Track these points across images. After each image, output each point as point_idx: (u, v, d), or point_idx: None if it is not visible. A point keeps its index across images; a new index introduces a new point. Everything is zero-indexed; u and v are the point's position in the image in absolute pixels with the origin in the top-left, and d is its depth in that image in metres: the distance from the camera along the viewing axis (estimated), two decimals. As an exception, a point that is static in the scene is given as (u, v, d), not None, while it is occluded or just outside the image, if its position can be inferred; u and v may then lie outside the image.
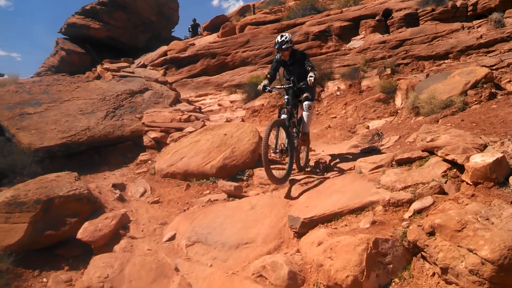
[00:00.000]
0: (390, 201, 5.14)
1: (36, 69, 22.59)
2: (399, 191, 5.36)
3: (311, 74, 6.71)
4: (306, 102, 7.01)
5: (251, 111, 12.29)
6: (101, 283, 5.48)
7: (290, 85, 6.92)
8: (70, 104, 11.62)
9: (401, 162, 6.17)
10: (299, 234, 5.39)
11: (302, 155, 7.55)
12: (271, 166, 6.60)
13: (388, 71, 12.01)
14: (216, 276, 4.89)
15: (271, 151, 6.58)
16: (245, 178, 7.71)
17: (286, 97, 6.93)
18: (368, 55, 13.83)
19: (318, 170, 7.50)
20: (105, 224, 6.49)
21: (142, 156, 9.93)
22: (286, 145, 6.62)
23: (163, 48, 20.26)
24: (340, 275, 4.15)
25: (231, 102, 13.61)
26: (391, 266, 4.29)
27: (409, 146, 6.95)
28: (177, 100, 13.66)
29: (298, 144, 7.09)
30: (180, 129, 10.68)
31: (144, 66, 19.06)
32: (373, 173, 6.32)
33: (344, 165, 7.26)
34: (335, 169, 7.31)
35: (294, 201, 6.18)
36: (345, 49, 15.04)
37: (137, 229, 6.66)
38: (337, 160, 7.72)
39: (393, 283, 4.18)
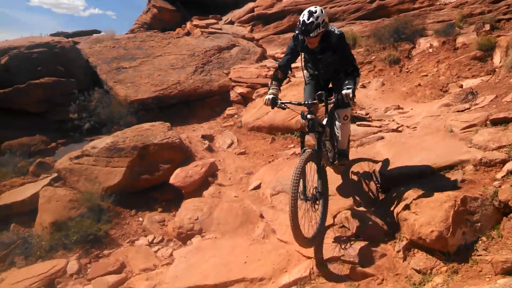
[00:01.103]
0: (482, 161, 4.94)
1: (130, 26, 23.50)
2: (492, 150, 5.12)
3: (348, 84, 4.57)
4: (339, 110, 4.99)
5: (337, 67, 12.14)
6: (191, 224, 5.92)
7: (314, 101, 4.66)
8: (161, 59, 12.16)
9: (496, 122, 5.86)
10: (383, 190, 5.37)
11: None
12: None
13: (487, 27, 11.18)
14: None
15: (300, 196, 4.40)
16: (330, 134, 7.70)
17: (308, 117, 4.63)
18: (465, 10, 12.92)
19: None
20: (195, 171, 6.89)
21: (229, 110, 10.23)
22: (319, 189, 4.63)
23: (250, 4, 20.22)
24: (425, 230, 4.12)
25: (318, 58, 13.47)
26: (478, 224, 4.17)
27: (506, 106, 6.57)
28: (263, 57, 13.76)
29: (335, 166, 5.45)
30: (265, 85, 10.79)
31: (231, 22, 19.21)
32: (465, 132, 6.06)
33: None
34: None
35: (380, 157, 6.10)
36: (440, 4, 14.15)
37: (225, 177, 7.00)
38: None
39: (480, 241, 4.08)
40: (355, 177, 5.74)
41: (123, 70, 11.38)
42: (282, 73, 4.96)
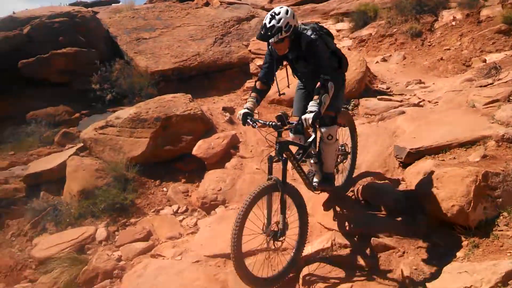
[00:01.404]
0: (505, 137, 4.95)
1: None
2: (515, 126, 5.14)
3: (312, 106, 3.89)
4: (322, 129, 4.32)
5: (358, 40, 11.94)
6: (215, 194, 6.10)
7: (278, 123, 3.95)
8: (181, 30, 12.16)
9: (520, 97, 5.85)
10: (405, 164, 5.42)
11: (343, 167, 5.12)
12: None
13: (514, -1, 10.97)
14: (321, 196, 5.10)
15: (262, 231, 3.96)
16: (350, 107, 7.72)
17: (278, 139, 4.02)
18: (491, -18, 12.64)
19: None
20: (217, 143, 7.02)
21: (249, 83, 10.20)
22: (280, 225, 4.00)
23: (269, -26, 19.96)
24: (446, 204, 4.17)
25: (338, 31, 13.22)
26: (500, 200, 4.20)
27: (530, 81, 6.53)
28: (282, 28, 13.63)
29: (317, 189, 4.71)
30: (285, 57, 10.77)
31: (250, -8, 19.03)
32: (488, 107, 6.04)
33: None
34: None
35: (401, 132, 6.15)
36: (464, -25, 13.85)
37: (246, 150, 7.12)
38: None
39: (501, 217, 4.12)
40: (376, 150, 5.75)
41: (143, 41, 11.41)
42: (263, 84, 4.41)
